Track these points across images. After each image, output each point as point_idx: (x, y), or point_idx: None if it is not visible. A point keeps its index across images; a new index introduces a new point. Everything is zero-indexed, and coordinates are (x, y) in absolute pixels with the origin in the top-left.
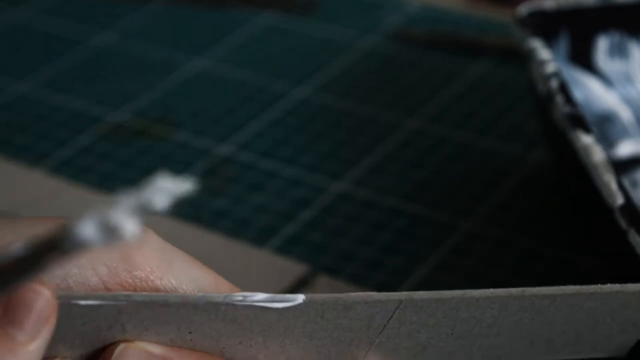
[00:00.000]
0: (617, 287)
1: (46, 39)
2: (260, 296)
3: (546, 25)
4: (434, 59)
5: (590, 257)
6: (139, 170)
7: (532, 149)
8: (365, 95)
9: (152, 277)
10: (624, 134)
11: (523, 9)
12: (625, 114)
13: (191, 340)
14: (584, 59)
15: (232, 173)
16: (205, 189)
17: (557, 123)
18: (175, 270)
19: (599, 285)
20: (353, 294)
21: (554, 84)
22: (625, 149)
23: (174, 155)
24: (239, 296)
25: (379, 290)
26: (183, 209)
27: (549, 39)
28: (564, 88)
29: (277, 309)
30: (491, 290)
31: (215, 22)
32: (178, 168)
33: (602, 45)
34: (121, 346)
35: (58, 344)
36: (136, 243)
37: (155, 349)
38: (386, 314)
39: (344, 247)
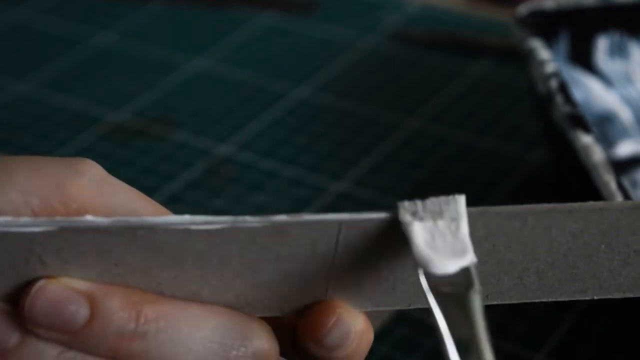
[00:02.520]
0: (600, 204)
1: (46, 39)
2: (177, 218)
3: (546, 25)
4: (434, 59)
5: None
6: (139, 170)
7: (532, 149)
8: (365, 95)
9: (86, 209)
10: (624, 134)
11: (523, 9)
12: (625, 114)
13: (120, 274)
14: (584, 59)
15: (232, 173)
16: (205, 189)
17: (557, 123)
18: (114, 202)
19: (579, 203)
20: (284, 216)
21: (553, 84)
22: (625, 149)
23: (174, 155)
24: (155, 218)
25: None
26: (183, 209)
27: (549, 39)
28: (564, 88)
29: (200, 233)
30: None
31: (215, 22)
32: (178, 168)
33: (602, 45)
34: (41, 282)
35: None
36: (72, 173)
37: (80, 285)
38: (329, 239)
39: None
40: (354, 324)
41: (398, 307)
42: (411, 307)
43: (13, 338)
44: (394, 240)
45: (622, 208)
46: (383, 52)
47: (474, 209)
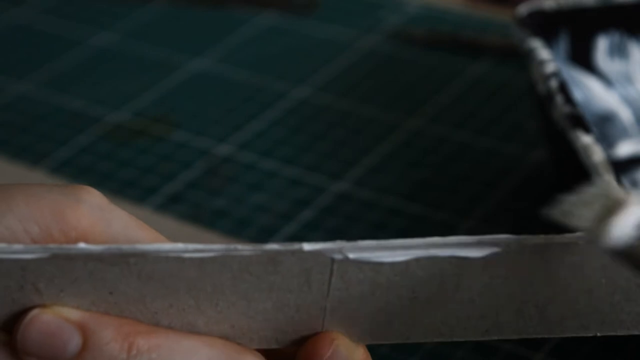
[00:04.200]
0: None
1: (46, 39)
2: (169, 246)
3: (546, 25)
4: (434, 59)
5: None
6: (139, 170)
7: (532, 149)
8: (365, 95)
9: (87, 238)
10: (624, 134)
11: (523, 9)
12: (625, 114)
13: (115, 303)
14: (583, 59)
15: (232, 173)
16: (205, 189)
17: (557, 123)
18: (113, 231)
19: (577, 234)
20: (276, 245)
21: (553, 83)
22: (624, 149)
23: (173, 155)
24: (147, 246)
25: None
26: (183, 209)
27: (549, 39)
28: (563, 88)
29: (193, 261)
30: (437, 239)
31: (215, 22)
32: (178, 168)
33: (602, 45)
34: (34, 311)
35: None
36: (72, 201)
37: (73, 314)
38: (323, 269)
39: None
40: (352, 357)
41: (396, 341)
42: (409, 341)
43: None
44: (397, 275)
45: None
46: (383, 52)
47: (466, 238)
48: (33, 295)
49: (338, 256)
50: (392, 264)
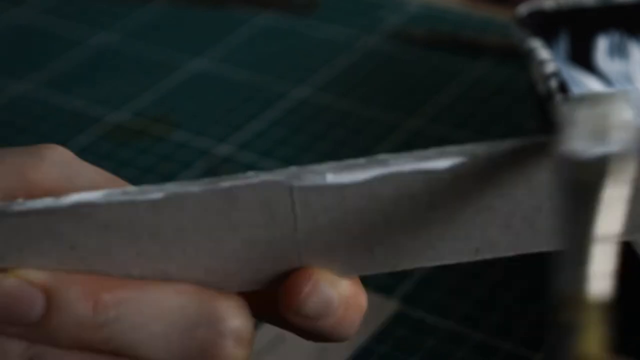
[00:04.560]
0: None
1: (46, 39)
2: (117, 191)
3: (546, 25)
4: (434, 59)
5: None
6: (139, 171)
7: None
8: (365, 95)
9: (51, 195)
10: None
11: (523, 9)
12: None
13: (81, 258)
14: (583, 59)
15: (232, 173)
16: None
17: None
18: (79, 186)
19: (550, 136)
20: (228, 179)
21: (553, 83)
22: None
23: (173, 155)
24: (96, 193)
25: (380, 290)
26: None
27: (549, 39)
28: (563, 88)
29: (145, 203)
30: (395, 154)
31: (215, 22)
32: (178, 168)
33: (602, 45)
34: None
35: None
36: (35, 159)
37: (36, 276)
38: (283, 199)
39: None
40: (336, 291)
41: (381, 271)
42: (398, 269)
43: None
44: (364, 197)
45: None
46: (383, 52)
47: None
48: None
49: (295, 182)
50: (355, 186)
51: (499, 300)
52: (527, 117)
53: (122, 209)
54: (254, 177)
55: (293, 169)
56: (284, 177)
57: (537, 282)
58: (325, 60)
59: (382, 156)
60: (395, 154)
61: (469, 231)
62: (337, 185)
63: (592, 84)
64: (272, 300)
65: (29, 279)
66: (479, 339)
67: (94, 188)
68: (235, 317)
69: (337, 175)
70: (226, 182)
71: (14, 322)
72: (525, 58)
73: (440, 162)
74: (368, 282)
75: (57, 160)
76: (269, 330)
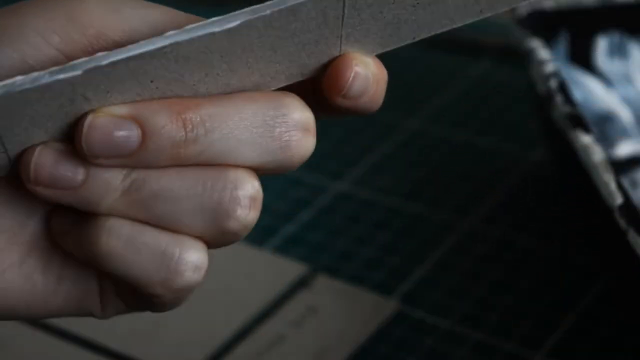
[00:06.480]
0: None
1: None
2: (199, 26)
3: (546, 25)
4: (434, 59)
5: (590, 257)
6: None
7: (532, 149)
8: None
9: (104, 31)
10: (623, 134)
11: (523, 9)
12: (624, 114)
13: (157, 88)
14: (583, 59)
15: None
16: None
17: (556, 123)
18: (125, 16)
19: None
20: None
21: (553, 84)
22: (624, 149)
23: None
24: (181, 34)
25: (380, 290)
26: None
27: (549, 39)
28: (563, 88)
29: (222, 33)
30: None
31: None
32: None
33: (601, 45)
34: (89, 118)
35: (32, 130)
36: (77, 2)
37: (122, 110)
38: (336, 4)
39: (344, 247)
40: (370, 70)
41: (404, 43)
42: (416, 40)
43: (79, 174)
44: None
45: None
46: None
47: None
48: (83, 104)
49: None
50: None
51: (499, 300)
52: (527, 117)
53: (202, 42)
54: None
55: None
56: None
57: (537, 282)
58: None
59: None
60: None
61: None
62: None
63: (592, 84)
64: (312, 89)
65: (119, 113)
66: (479, 339)
67: (140, 14)
68: (301, 109)
69: None
70: (292, 2)
71: (115, 155)
72: (524, 58)
73: None
74: (368, 282)
75: None
76: (269, 330)
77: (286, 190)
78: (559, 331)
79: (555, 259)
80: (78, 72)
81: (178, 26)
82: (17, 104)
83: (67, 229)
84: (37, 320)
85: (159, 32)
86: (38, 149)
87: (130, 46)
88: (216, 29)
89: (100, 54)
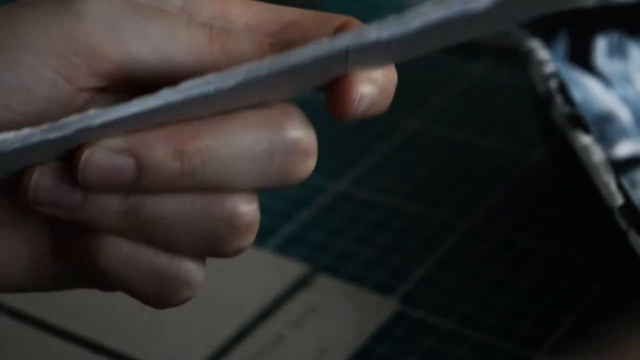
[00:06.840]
0: None
1: None
2: (190, 84)
3: (545, 25)
4: (433, 59)
5: (590, 257)
6: None
7: (532, 149)
8: None
9: (102, 52)
10: (623, 134)
11: None
12: (624, 114)
13: (159, 116)
14: (583, 59)
15: None
16: None
17: (556, 123)
18: (125, 36)
19: None
20: (301, 50)
21: (553, 84)
22: (624, 149)
23: None
24: (172, 92)
25: (380, 290)
26: None
27: (548, 39)
28: (563, 88)
29: (218, 92)
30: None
31: None
32: None
33: (601, 45)
34: (86, 153)
35: (32, 155)
36: (73, 18)
37: (119, 143)
38: (340, 55)
39: (343, 247)
40: (377, 86)
41: (416, 55)
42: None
43: (77, 196)
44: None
45: None
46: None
47: None
48: (78, 143)
49: (351, 45)
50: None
51: (499, 300)
52: (527, 117)
53: (195, 100)
54: (315, 48)
55: (347, 37)
56: (344, 43)
57: (537, 282)
58: None
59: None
60: None
61: None
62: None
63: (592, 84)
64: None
65: (115, 148)
66: (478, 339)
67: (141, 35)
68: (299, 130)
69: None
70: (291, 59)
71: (111, 187)
72: (524, 58)
73: None
74: (368, 282)
75: (97, 16)
76: (269, 330)
77: (285, 190)
78: (559, 331)
79: (555, 259)
80: (69, 132)
81: (178, 43)
82: (8, 159)
83: (70, 239)
84: (37, 320)
85: (158, 53)
86: (37, 170)
87: (122, 105)
88: (211, 89)
89: (91, 112)
